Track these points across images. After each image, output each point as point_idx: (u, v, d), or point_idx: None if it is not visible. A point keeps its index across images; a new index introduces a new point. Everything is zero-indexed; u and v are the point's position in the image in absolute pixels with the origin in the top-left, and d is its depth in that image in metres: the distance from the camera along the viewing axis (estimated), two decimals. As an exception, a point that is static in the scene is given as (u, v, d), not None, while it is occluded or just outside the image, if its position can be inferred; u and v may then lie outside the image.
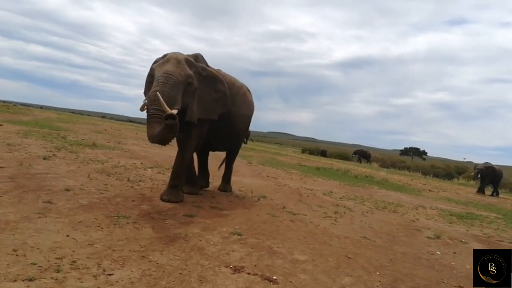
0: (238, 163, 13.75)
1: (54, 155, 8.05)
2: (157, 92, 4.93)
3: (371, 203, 9.34)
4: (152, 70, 5.60)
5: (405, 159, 47.71)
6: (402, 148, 67.76)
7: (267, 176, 11.42)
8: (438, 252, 5.45)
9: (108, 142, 12.82)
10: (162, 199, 5.70)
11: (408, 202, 10.80)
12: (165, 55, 5.76)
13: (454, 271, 4.64)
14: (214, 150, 7.53)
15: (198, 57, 6.15)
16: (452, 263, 4.99)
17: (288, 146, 48.88)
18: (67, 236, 3.62)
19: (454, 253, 5.55)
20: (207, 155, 7.58)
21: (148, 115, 5.13)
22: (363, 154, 38.43)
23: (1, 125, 12.26)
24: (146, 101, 5.21)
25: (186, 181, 6.35)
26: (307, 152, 43.00)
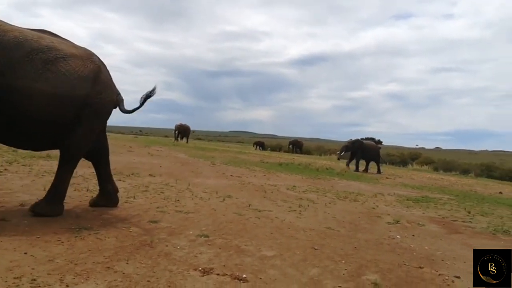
0: (201, 164, 13.66)
1: (5, 169, 7.61)
2: None
3: (333, 194, 9.60)
4: None
5: (363, 149, 49.47)
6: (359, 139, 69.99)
7: (231, 175, 11.42)
8: (398, 236, 5.71)
9: (62, 152, 12.29)
10: None
11: (368, 190, 11.20)
12: None
13: (414, 253, 4.89)
14: (13, 146, 5.30)
15: None
16: (412, 246, 5.25)
17: (250, 144, 49.15)
18: (25, 253, 3.46)
19: (413, 235, 5.84)
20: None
21: None
22: (296, 144, 43.08)
23: None
24: None
25: None
26: (269, 149, 44.39)
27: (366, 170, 18.61)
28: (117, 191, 5.86)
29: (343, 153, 19.53)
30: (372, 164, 19.01)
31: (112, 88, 5.50)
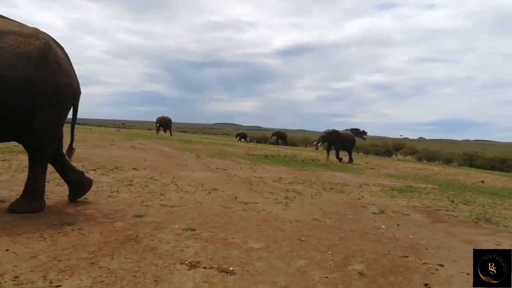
0: (186, 157, 13.56)
1: (-18, 165, 7.42)
2: None
3: (318, 185, 9.66)
4: None
5: (348, 140, 49.99)
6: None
7: (217, 168, 11.36)
8: (383, 226, 5.78)
9: (44, 147, 12.01)
10: None
11: (353, 181, 11.31)
12: None
13: (399, 242, 4.96)
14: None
15: None
16: (397, 235, 5.32)
17: (235, 136, 49.03)
18: (7, 250, 3.38)
19: (398, 225, 5.92)
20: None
21: None
22: (280, 136, 42.71)
23: None
24: None
25: None
26: (254, 141, 44.39)
27: (350, 160, 18.83)
28: (82, 173, 5.55)
29: (320, 143, 19.71)
30: (344, 153, 19.27)
31: (71, 72, 4.95)
